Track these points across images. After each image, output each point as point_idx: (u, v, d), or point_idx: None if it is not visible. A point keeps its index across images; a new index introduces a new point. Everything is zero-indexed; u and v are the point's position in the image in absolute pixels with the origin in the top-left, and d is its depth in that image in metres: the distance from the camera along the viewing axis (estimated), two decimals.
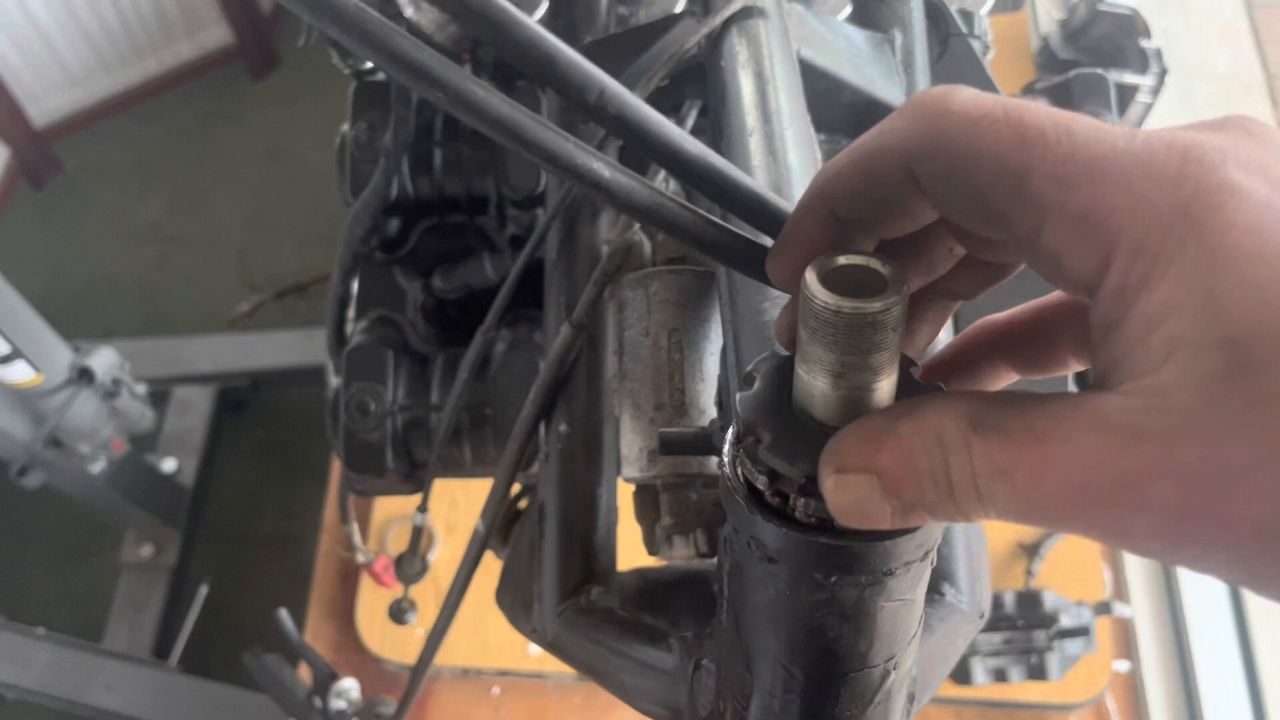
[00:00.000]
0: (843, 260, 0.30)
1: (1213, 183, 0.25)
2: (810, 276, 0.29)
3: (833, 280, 0.29)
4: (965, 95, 0.29)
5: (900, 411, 0.29)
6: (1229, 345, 0.24)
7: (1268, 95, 1.99)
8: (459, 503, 1.47)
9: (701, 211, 0.34)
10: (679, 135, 0.34)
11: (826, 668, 0.35)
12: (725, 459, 0.34)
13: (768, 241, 0.35)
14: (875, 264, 0.30)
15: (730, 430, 0.34)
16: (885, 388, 0.30)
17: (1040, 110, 0.28)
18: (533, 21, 0.32)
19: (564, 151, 0.32)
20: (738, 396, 0.33)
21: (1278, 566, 0.24)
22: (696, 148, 0.34)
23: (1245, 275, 0.24)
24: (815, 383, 0.30)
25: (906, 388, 0.32)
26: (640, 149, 0.34)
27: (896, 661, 0.36)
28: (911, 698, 0.41)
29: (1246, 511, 0.23)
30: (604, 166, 0.32)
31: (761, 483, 0.32)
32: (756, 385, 0.33)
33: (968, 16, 0.75)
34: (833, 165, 0.32)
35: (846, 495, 0.29)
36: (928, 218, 0.31)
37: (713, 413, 0.58)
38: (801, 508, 0.31)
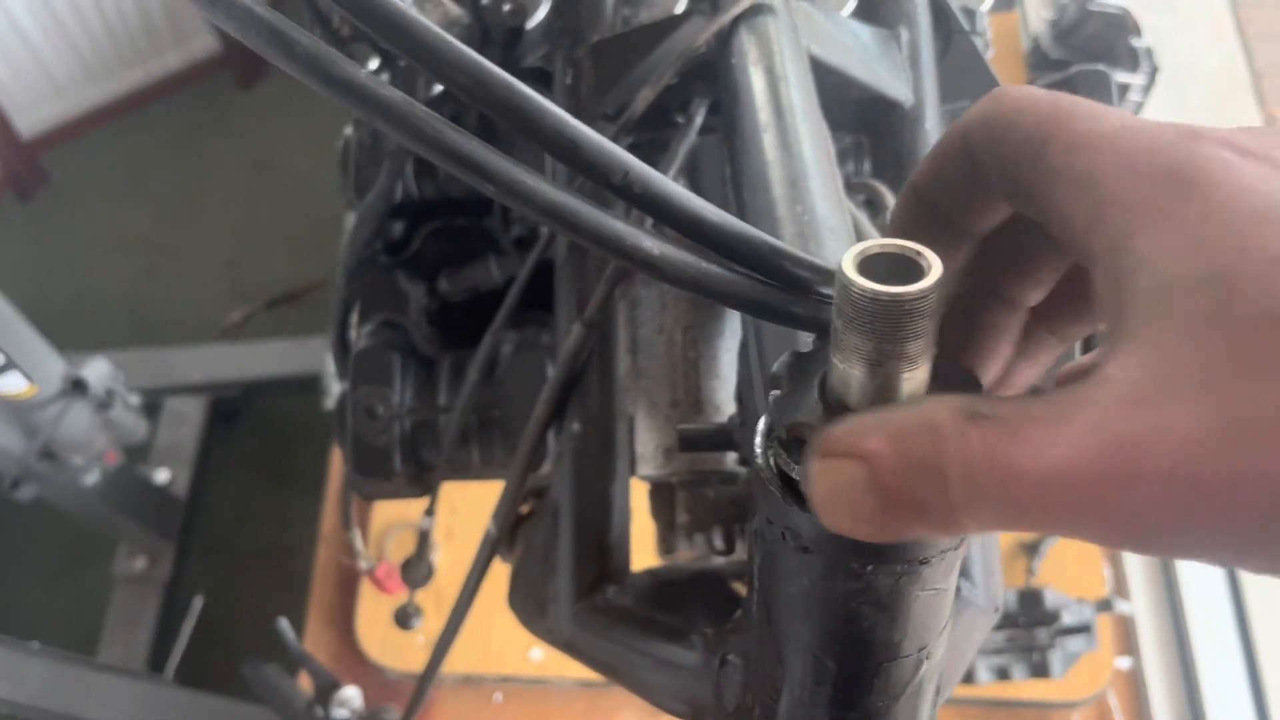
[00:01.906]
0: (879, 247, 0.30)
1: (1205, 151, 0.26)
2: (847, 263, 0.29)
3: (869, 267, 0.29)
4: (1028, 88, 0.30)
5: (898, 406, 0.29)
6: (1213, 283, 0.23)
7: (1254, 93, 2.00)
8: (459, 508, 1.46)
9: (746, 273, 0.35)
10: (702, 206, 0.34)
11: (860, 657, 0.35)
12: (757, 449, 0.34)
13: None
14: (911, 250, 0.30)
15: (762, 421, 0.33)
16: (920, 376, 0.30)
17: (1082, 100, 0.29)
18: (558, 109, 0.32)
19: (613, 234, 0.32)
20: (770, 388, 0.33)
21: None
22: (720, 216, 0.35)
23: (1230, 224, 0.24)
24: (851, 371, 0.30)
25: (941, 376, 0.32)
26: (667, 224, 0.34)
27: (929, 651, 0.36)
28: (939, 690, 0.41)
29: (1254, 466, 0.21)
30: (653, 245, 0.33)
31: (797, 472, 0.32)
32: (788, 376, 0.33)
33: (970, 13, 0.76)
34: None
35: (829, 482, 0.28)
36: (997, 205, 0.32)
37: (729, 409, 0.58)
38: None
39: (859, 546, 0.31)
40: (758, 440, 0.34)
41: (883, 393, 0.30)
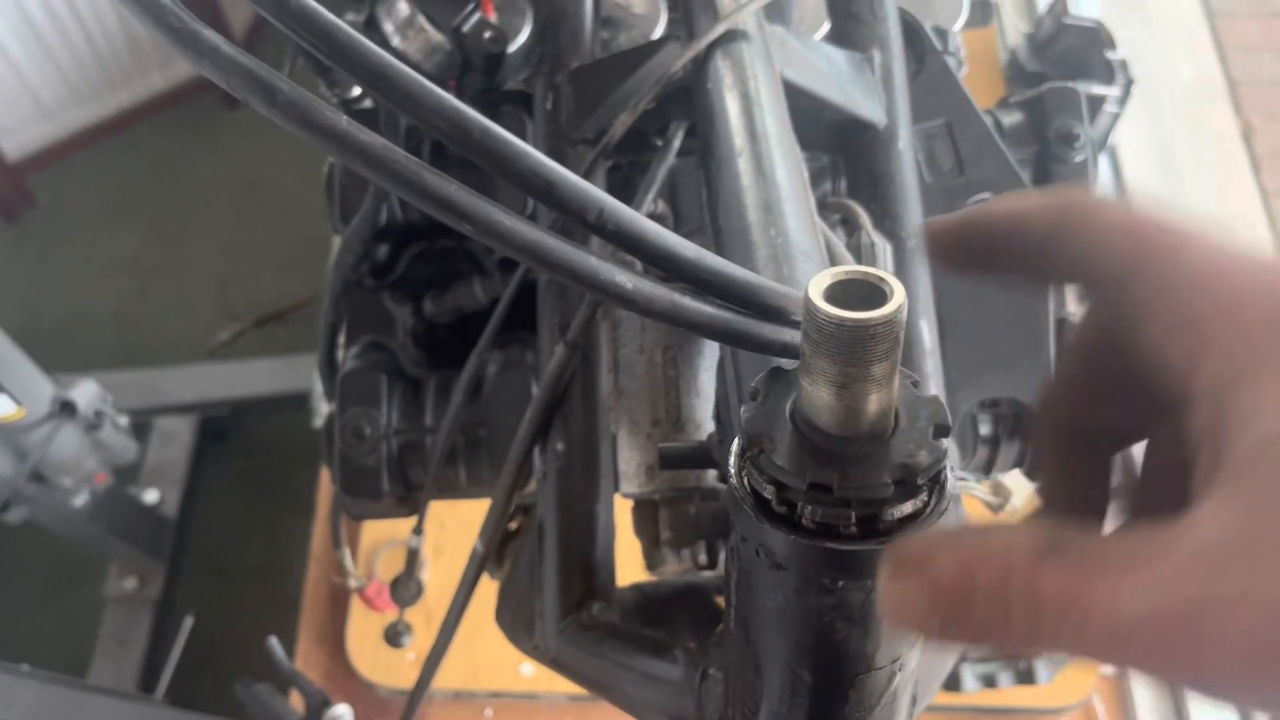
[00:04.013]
0: (844, 274, 0.31)
1: None
2: (813, 290, 0.30)
3: (836, 294, 0.30)
4: (1119, 203, 0.30)
5: (971, 527, 0.28)
6: None
7: (1230, 103, 2.03)
8: (447, 526, 1.47)
9: (719, 303, 0.36)
10: (676, 242, 0.36)
11: (835, 670, 0.36)
12: (731, 470, 0.35)
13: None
14: (874, 277, 0.31)
15: (736, 441, 0.35)
16: (886, 398, 0.32)
17: (1167, 216, 0.29)
18: (534, 151, 0.33)
19: (588, 269, 0.34)
20: (743, 408, 0.34)
21: None
22: (692, 251, 0.36)
23: None
24: (819, 394, 0.31)
25: (906, 397, 0.33)
26: (641, 259, 0.35)
27: (902, 663, 0.37)
28: (914, 699, 0.42)
29: None
30: (626, 279, 0.34)
31: (769, 492, 0.33)
32: (760, 397, 0.34)
33: (942, 34, 0.77)
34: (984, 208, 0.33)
35: (896, 597, 0.28)
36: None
37: (709, 427, 0.60)
38: (808, 515, 0.32)
39: (830, 562, 0.33)
40: (731, 460, 0.35)
41: (850, 414, 0.32)
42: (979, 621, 0.26)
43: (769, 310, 0.36)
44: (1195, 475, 0.25)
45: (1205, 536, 0.23)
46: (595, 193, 0.33)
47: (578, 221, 0.32)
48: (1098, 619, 0.24)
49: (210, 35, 0.30)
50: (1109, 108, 1.55)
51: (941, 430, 0.32)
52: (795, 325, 0.37)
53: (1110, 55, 1.54)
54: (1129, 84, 1.54)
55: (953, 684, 1.33)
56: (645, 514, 0.62)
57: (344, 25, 0.31)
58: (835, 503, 0.31)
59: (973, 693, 1.33)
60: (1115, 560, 0.24)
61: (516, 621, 0.64)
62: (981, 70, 1.79)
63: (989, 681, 1.33)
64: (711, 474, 0.62)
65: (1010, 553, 0.25)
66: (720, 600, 0.61)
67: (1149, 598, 0.23)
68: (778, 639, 0.37)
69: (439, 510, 1.48)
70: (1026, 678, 1.33)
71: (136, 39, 3.01)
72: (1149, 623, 0.23)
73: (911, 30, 0.74)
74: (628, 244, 0.34)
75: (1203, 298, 0.26)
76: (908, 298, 0.31)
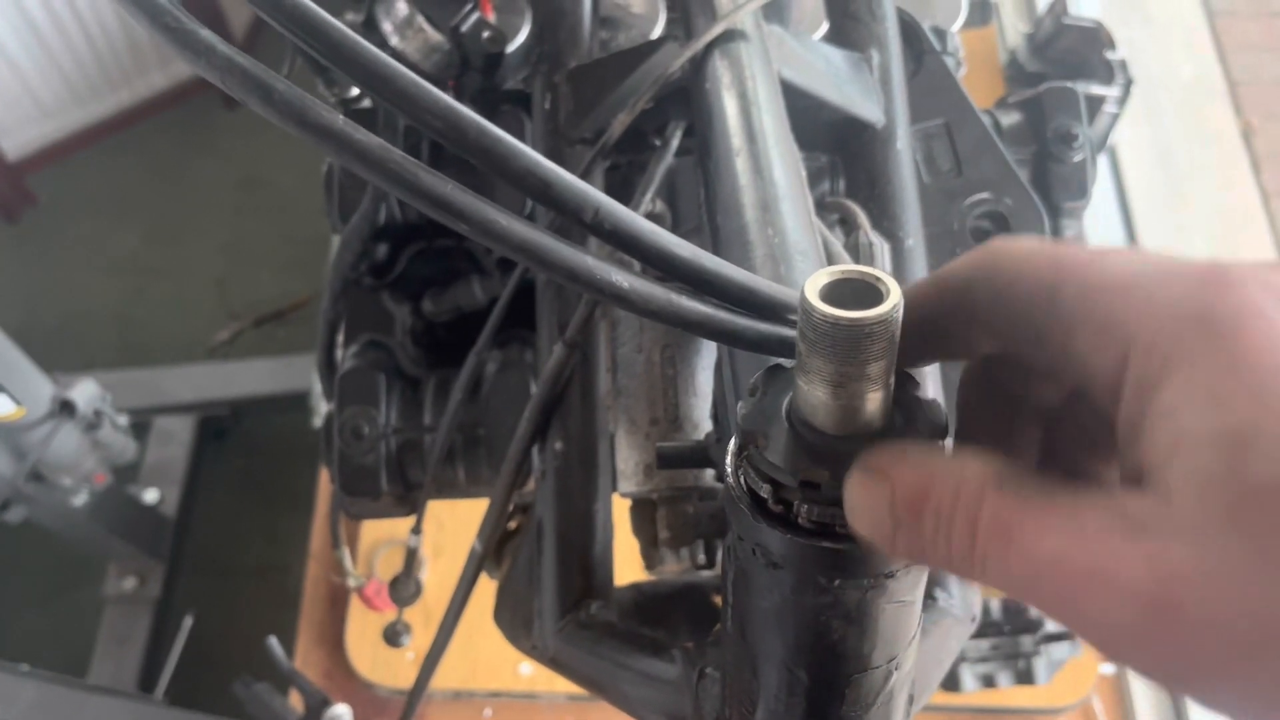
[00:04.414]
0: (839, 274, 0.31)
1: (1232, 298, 0.26)
2: (809, 290, 0.30)
3: (831, 293, 0.30)
4: (1019, 240, 0.31)
5: (936, 449, 0.30)
6: (1227, 441, 0.23)
7: (1230, 102, 2.03)
8: (446, 525, 1.47)
9: (716, 303, 0.36)
10: (672, 242, 0.36)
11: (831, 669, 0.36)
12: (728, 469, 0.35)
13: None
14: (870, 277, 0.31)
15: (733, 441, 0.35)
16: (882, 397, 0.32)
17: (1082, 247, 0.30)
18: (530, 150, 0.33)
19: (584, 269, 0.33)
20: (739, 407, 0.34)
21: (1249, 684, 0.23)
22: (689, 250, 0.36)
23: (1251, 379, 0.24)
24: (815, 393, 0.32)
25: (903, 398, 0.33)
26: (637, 259, 0.35)
27: (898, 662, 0.37)
28: (911, 699, 0.42)
29: (1219, 615, 0.23)
30: (623, 278, 0.34)
31: (765, 491, 0.33)
32: (757, 396, 0.34)
33: (940, 34, 0.77)
34: (919, 282, 0.34)
35: (861, 492, 0.30)
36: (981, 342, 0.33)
37: (707, 426, 0.60)
38: (804, 514, 0.32)
39: (826, 561, 0.33)
40: (728, 459, 0.35)
41: (846, 413, 0.32)
42: (926, 535, 0.28)
43: (765, 309, 0.36)
44: (1124, 458, 0.28)
45: (1131, 510, 0.25)
46: (591, 192, 0.33)
47: (574, 221, 0.32)
48: (1019, 553, 0.26)
49: (206, 34, 0.30)
50: (1109, 108, 1.55)
51: (938, 430, 0.32)
52: (791, 324, 0.37)
53: (1110, 55, 1.54)
54: (1128, 84, 1.54)
55: (952, 684, 1.33)
56: (643, 513, 0.62)
57: (339, 24, 0.31)
58: (829, 501, 0.31)
59: (972, 692, 1.33)
60: (1051, 507, 0.26)
61: (515, 621, 0.64)
62: (981, 70, 1.79)
63: (988, 681, 1.33)
64: (709, 473, 0.62)
65: (964, 477, 0.28)
66: (718, 600, 0.61)
67: (1066, 543, 0.25)
68: (774, 638, 0.37)
69: (438, 509, 1.48)
70: (1026, 678, 1.33)
71: (136, 39, 3.01)
72: (1062, 565, 0.25)
73: (910, 30, 0.74)
74: (624, 243, 0.34)
75: (1125, 302, 0.27)
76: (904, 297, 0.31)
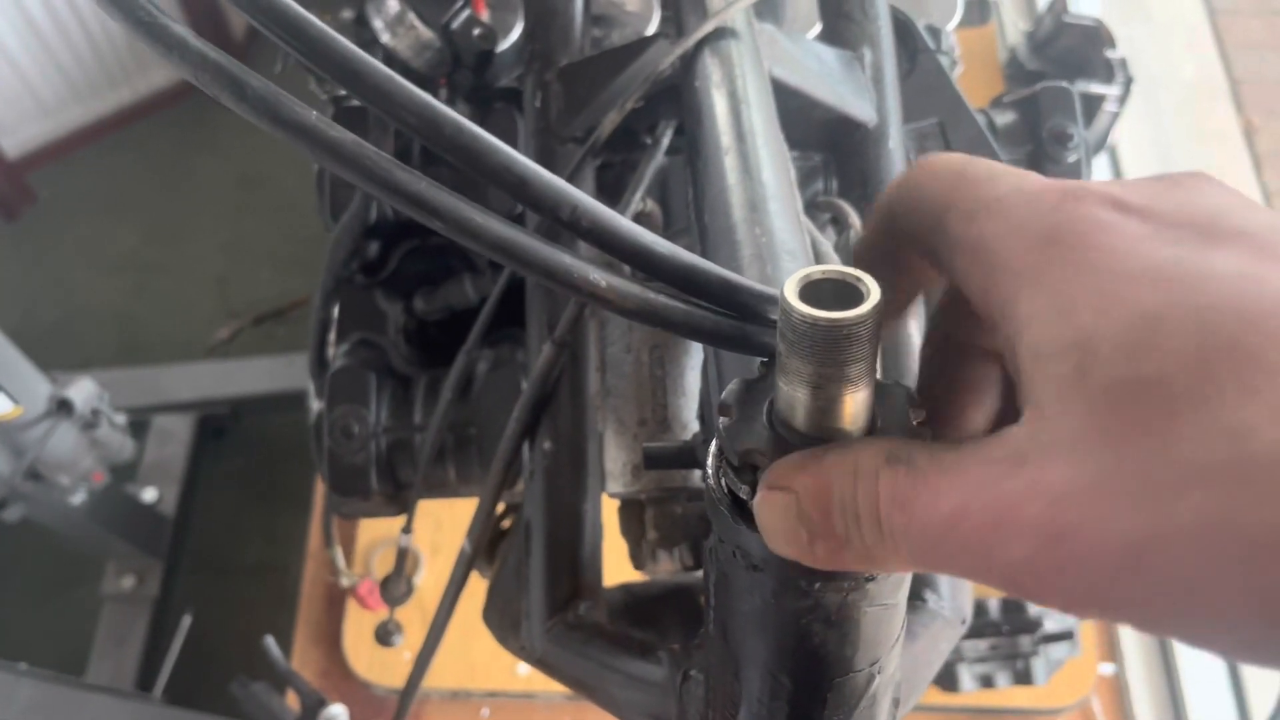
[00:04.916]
0: (819, 274, 0.31)
1: (1082, 213, 0.26)
2: (789, 290, 0.30)
3: (811, 293, 0.30)
4: (946, 155, 0.31)
5: (833, 446, 0.30)
6: (1075, 347, 0.24)
7: (1232, 101, 2.02)
8: (443, 524, 1.47)
9: (694, 302, 0.36)
10: (650, 239, 0.35)
11: (813, 673, 0.36)
12: (709, 471, 0.34)
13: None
14: (851, 277, 0.30)
15: (713, 443, 0.34)
16: (863, 397, 0.31)
17: (986, 163, 0.30)
18: (506, 147, 0.33)
19: (561, 267, 0.33)
20: (719, 408, 0.34)
21: (1149, 590, 0.22)
22: (667, 248, 0.36)
23: (1092, 286, 0.24)
24: (795, 394, 0.31)
25: (886, 399, 0.33)
26: (616, 257, 0.35)
27: (881, 666, 0.37)
28: (896, 702, 0.42)
29: (1110, 527, 0.22)
30: (600, 277, 0.34)
31: (744, 492, 0.33)
32: (738, 398, 0.34)
33: (935, 33, 0.77)
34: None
35: (768, 512, 0.30)
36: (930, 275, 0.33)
37: (695, 427, 0.59)
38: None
39: (806, 564, 0.32)
40: (709, 462, 0.35)
41: (826, 414, 0.31)
42: (839, 533, 0.28)
43: (747, 309, 0.35)
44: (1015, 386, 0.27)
45: (1007, 444, 0.25)
46: (568, 189, 0.33)
47: (550, 218, 0.32)
48: (919, 521, 0.26)
49: (179, 29, 0.30)
50: (1109, 106, 1.54)
51: (919, 431, 0.32)
52: (773, 324, 0.36)
53: (1110, 54, 1.54)
54: (1129, 82, 1.54)
55: (950, 684, 1.33)
56: (631, 513, 0.62)
57: (315, 20, 0.31)
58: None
59: (970, 692, 1.33)
60: (944, 466, 0.26)
61: (504, 621, 0.64)
62: (981, 69, 1.79)
63: (986, 681, 1.33)
64: (698, 474, 0.61)
65: (858, 464, 0.28)
66: None
67: (960, 500, 0.25)
68: (756, 642, 0.36)
69: (435, 509, 1.48)
70: (1024, 678, 1.32)
71: None
72: (958, 521, 0.25)
73: (904, 29, 0.74)
74: (602, 241, 0.34)
75: (995, 221, 0.28)
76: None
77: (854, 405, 0.31)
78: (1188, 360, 0.22)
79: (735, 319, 0.36)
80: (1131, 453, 0.22)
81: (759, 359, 0.37)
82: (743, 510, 0.33)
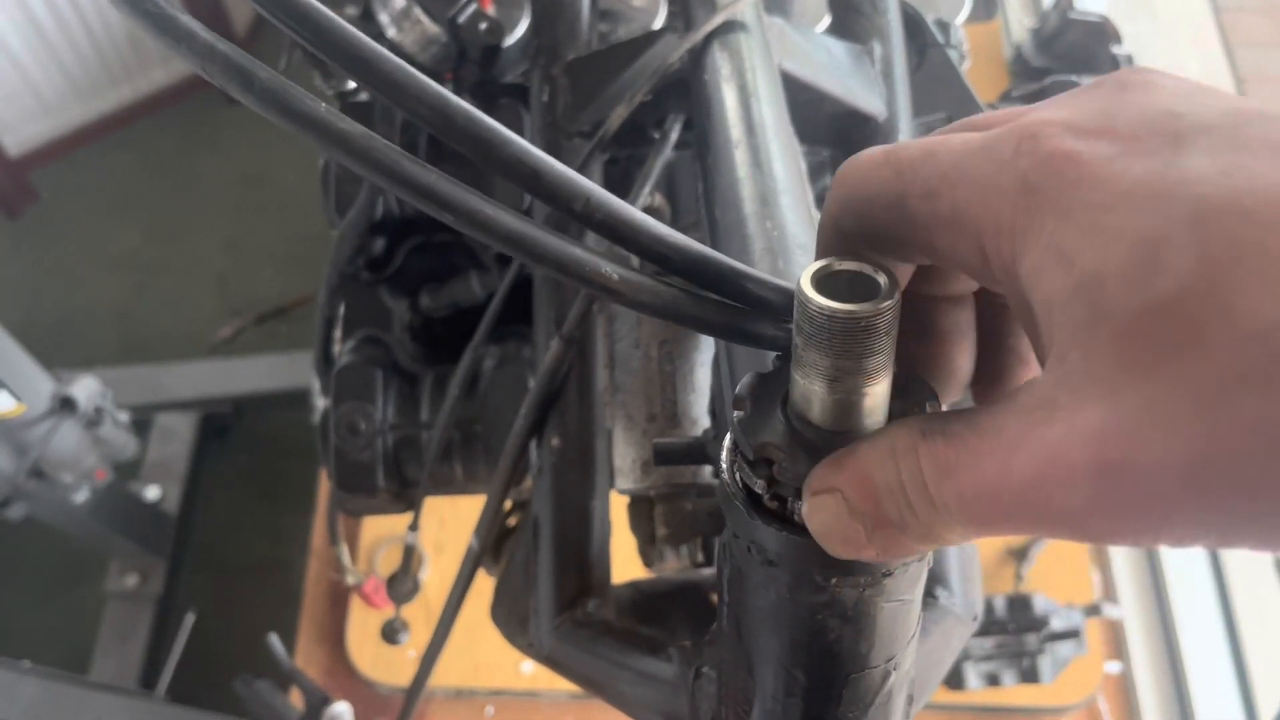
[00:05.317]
0: (837, 266, 0.30)
1: (1045, 152, 0.26)
2: (805, 282, 0.29)
3: (828, 285, 0.30)
4: (861, 156, 0.31)
5: (863, 438, 0.30)
6: (1084, 291, 0.24)
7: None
8: (447, 522, 1.46)
9: (709, 295, 0.35)
10: (664, 231, 0.35)
11: (828, 669, 0.35)
12: (724, 465, 0.34)
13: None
14: (868, 269, 0.30)
15: (728, 437, 0.34)
16: (880, 390, 0.31)
17: (913, 143, 0.30)
18: (519, 139, 0.32)
19: (573, 260, 0.33)
20: (734, 402, 0.33)
21: (1215, 504, 0.22)
22: (681, 240, 0.35)
23: (1085, 224, 0.24)
24: (811, 387, 0.31)
25: (902, 390, 0.32)
26: (629, 249, 0.35)
27: (896, 662, 0.36)
28: (910, 699, 0.41)
29: (1163, 453, 0.22)
30: (612, 270, 0.33)
31: (760, 487, 0.32)
32: (752, 391, 0.33)
33: (944, 27, 0.77)
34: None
35: (819, 517, 0.30)
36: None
37: (705, 422, 0.59)
38: (800, 510, 0.32)
39: (822, 559, 0.32)
40: (724, 456, 0.34)
41: (843, 407, 0.31)
42: (893, 518, 0.28)
43: (761, 302, 0.35)
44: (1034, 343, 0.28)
45: (1037, 396, 0.25)
46: (582, 181, 0.32)
47: (564, 210, 0.32)
48: (969, 485, 0.26)
49: (186, 20, 0.29)
50: None
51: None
52: (788, 318, 0.36)
53: (1116, 50, 1.53)
54: None
55: (956, 682, 1.32)
56: (641, 510, 0.61)
57: (326, 10, 0.30)
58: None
59: (976, 691, 1.32)
60: (981, 429, 0.26)
61: (511, 618, 0.63)
62: (986, 65, 1.78)
63: (993, 680, 1.32)
64: (708, 470, 0.61)
65: (895, 446, 0.28)
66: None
67: (1001, 456, 0.25)
68: (770, 638, 0.36)
69: (440, 507, 1.48)
70: (1030, 676, 1.32)
71: (138, 34, 3.00)
72: (1006, 477, 0.25)
73: (913, 23, 0.73)
74: (615, 233, 0.33)
75: (962, 193, 0.27)
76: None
77: (872, 398, 0.31)
78: (1195, 274, 0.22)
79: (749, 312, 0.35)
80: (1166, 377, 0.22)
81: (773, 353, 0.37)
82: (758, 504, 0.33)
